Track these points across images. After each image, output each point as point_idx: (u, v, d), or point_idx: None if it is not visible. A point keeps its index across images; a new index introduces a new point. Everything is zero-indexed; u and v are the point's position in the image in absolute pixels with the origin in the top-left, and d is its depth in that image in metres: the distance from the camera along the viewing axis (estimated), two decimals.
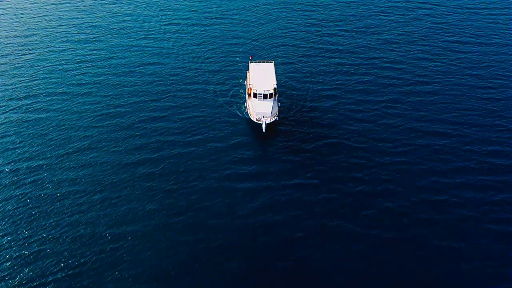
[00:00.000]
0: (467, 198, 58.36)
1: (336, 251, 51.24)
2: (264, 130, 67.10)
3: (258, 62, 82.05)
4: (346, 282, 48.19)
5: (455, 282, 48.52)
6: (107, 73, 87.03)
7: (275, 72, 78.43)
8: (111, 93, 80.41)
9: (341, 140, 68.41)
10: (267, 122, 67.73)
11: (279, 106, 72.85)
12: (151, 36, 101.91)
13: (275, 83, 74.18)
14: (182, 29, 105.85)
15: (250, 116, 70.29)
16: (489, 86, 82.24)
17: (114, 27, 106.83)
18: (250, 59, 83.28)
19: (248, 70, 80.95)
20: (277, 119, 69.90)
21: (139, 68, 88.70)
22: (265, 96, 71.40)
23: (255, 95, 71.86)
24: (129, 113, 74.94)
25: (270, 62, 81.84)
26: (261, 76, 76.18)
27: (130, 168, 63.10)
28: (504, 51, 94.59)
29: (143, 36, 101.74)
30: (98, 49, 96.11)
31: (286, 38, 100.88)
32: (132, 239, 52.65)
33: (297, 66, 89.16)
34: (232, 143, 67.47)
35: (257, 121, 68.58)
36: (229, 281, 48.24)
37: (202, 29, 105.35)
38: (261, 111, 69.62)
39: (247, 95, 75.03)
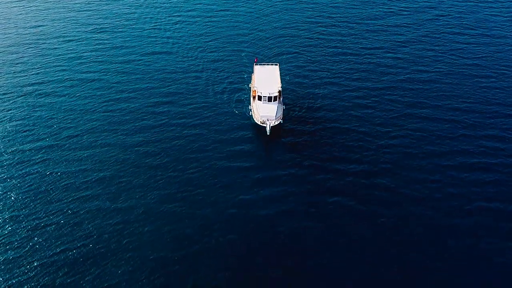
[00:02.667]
0: (461, 178, 61.22)
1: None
2: (268, 133, 66.90)
3: (263, 64, 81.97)
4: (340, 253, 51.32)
5: (450, 257, 50.86)
6: (114, 61, 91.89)
7: (280, 74, 78.35)
8: (119, 78, 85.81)
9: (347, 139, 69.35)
10: (271, 125, 67.58)
11: (283, 109, 72.76)
12: (159, 27, 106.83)
13: (280, 85, 74.12)
14: (184, 20, 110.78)
15: (255, 119, 70.29)
16: (488, 75, 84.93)
17: (122, 17, 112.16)
18: (255, 62, 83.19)
19: (252, 72, 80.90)
20: (282, 122, 69.76)
21: (146, 56, 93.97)
22: (269, 99, 71.47)
23: (259, 98, 71.97)
24: (136, 98, 79.55)
25: (275, 64, 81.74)
26: (266, 79, 76.30)
27: (135, 149, 67.11)
28: (502, 42, 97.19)
29: (151, 27, 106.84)
30: (106, 38, 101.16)
31: (289, 29, 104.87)
32: (135, 215, 56.05)
33: (301, 56, 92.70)
34: (235, 147, 68.15)
35: (261, 124, 68.44)
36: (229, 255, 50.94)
37: (208, 19, 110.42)
38: (266, 114, 69.74)
39: (251, 98, 75.00)
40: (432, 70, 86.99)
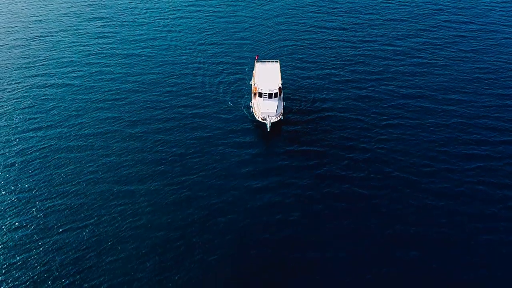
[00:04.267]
0: (453, 162, 64.88)
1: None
2: (268, 129, 68.61)
3: (264, 61, 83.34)
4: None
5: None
6: (118, 54, 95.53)
7: (280, 71, 79.78)
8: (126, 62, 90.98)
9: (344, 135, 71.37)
10: (271, 121, 69.20)
11: (283, 106, 74.28)
12: (162, 19, 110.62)
13: (280, 82, 75.61)
14: (185, 15, 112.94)
15: (255, 115, 71.89)
16: (484, 66, 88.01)
17: (126, 11, 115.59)
18: (256, 59, 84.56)
19: (253, 69, 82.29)
20: (282, 118, 71.36)
21: (151, 44, 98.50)
22: (270, 96, 72.90)
23: (260, 95, 73.41)
24: (142, 88, 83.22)
25: (276, 61, 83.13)
26: (266, 76, 77.70)
27: (138, 135, 71.02)
28: (498, 36, 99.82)
29: (155, 20, 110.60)
30: (109, 32, 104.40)
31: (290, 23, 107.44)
32: (139, 196, 59.69)
33: (301, 46, 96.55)
34: (236, 141, 70.20)
35: (262, 120, 70.09)
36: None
37: (211, 9, 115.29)
38: (266, 110, 71.18)
39: (252, 94, 76.52)
40: (428, 62, 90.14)
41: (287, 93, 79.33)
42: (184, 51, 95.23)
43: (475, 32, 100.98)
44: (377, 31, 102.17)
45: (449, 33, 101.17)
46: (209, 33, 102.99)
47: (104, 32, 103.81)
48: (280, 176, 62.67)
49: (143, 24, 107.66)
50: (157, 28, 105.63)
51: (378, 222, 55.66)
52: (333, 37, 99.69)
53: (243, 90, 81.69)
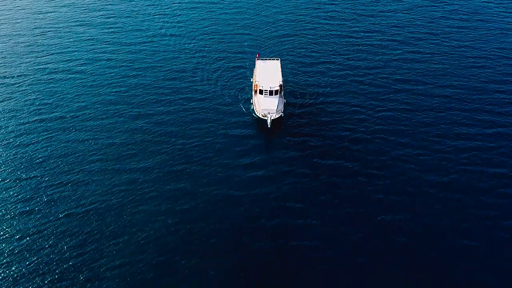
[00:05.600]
0: (445, 143, 68.60)
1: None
2: (269, 126, 68.45)
3: (265, 59, 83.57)
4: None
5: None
6: (123, 43, 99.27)
7: (281, 69, 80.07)
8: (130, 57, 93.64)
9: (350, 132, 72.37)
10: (272, 118, 69.08)
11: (284, 103, 74.36)
12: (165, 12, 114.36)
13: (281, 79, 75.67)
14: (188, 7, 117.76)
15: (256, 112, 71.93)
16: (476, 55, 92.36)
17: (131, 3, 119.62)
18: (257, 57, 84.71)
19: (254, 67, 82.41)
20: (282, 115, 71.25)
21: (153, 38, 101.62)
22: (270, 93, 73.27)
23: (261, 92, 73.82)
24: (144, 74, 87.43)
25: (277, 59, 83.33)
26: (267, 73, 78.28)
27: (142, 121, 73.95)
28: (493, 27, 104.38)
29: (158, 12, 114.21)
30: (114, 22, 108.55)
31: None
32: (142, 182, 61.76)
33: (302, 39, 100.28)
34: (237, 133, 71.55)
35: (262, 117, 69.92)
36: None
37: (212, 5, 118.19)
38: (267, 107, 71.42)
39: (253, 92, 76.54)
40: (424, 52, 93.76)
41: (288, 86, 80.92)
42: (186, 44, 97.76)
43: (472, 23, 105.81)
44: (377, 24, 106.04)
45: (447, 23, 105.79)
46: (211, 24, 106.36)
47: (109, 23, 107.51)
48: (281, 164, 63.98)
49: (146, 16, 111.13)
50: (161, 20, 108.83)
51: (377, 209, 57.20)
52: (333, 28, 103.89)
53: (243, 84, 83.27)
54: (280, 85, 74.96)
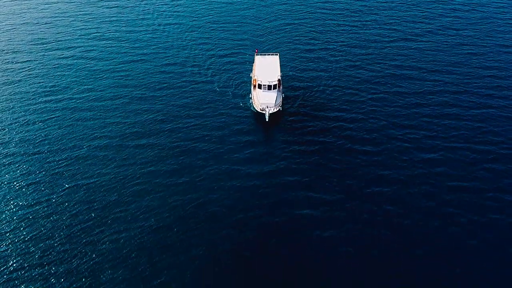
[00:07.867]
0: (435, 123, 73.89)
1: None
2: (267, 119, 72.11)
3: (263, 54, 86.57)
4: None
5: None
6: (126, 30, 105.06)
7: (280, 64, 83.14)
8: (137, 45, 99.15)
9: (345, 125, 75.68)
10: (270, 111, 72.48)
11: (282, 97, 77.60)
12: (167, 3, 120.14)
13: (280, 74, 78.89)
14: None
15: (255, 106, 75.21)
16: (470, 42, 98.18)
17: None
18: (255, 52, 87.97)
19: (253, 62, 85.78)
20: (281, 109, 74.87)
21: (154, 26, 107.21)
22: (269, 87, 75.95)
23: (259, 86, 76.32)
24: (145, 61, 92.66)
25: (275, 54, 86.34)
26: (266, 68, 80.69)
27: (142, 103, 78.99)
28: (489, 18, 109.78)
29: (160, 4, 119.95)
30: (116, 13, 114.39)
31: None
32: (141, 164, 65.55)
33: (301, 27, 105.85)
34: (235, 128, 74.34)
35: (261, 111, 73.55)
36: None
37: None
38: (265, 101, 74.17)
39: (252, 86, 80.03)
40: (420, 40, 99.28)
41: (286, 81, 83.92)
42: (187, 31, 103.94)
43: (466, 13, 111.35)
44: (373, 7, 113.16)
45: (446, 18, 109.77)
46: (212, 18, 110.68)
47: (111, 16, 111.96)
48: (280, 158, 66.65)
49: (150, 5, 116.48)
50: (163, 10, 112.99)
51: (369, 180, 62.24)
52: (331, 18, 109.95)
53: (242, 79, 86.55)
54: (279, 80, 77.32)
